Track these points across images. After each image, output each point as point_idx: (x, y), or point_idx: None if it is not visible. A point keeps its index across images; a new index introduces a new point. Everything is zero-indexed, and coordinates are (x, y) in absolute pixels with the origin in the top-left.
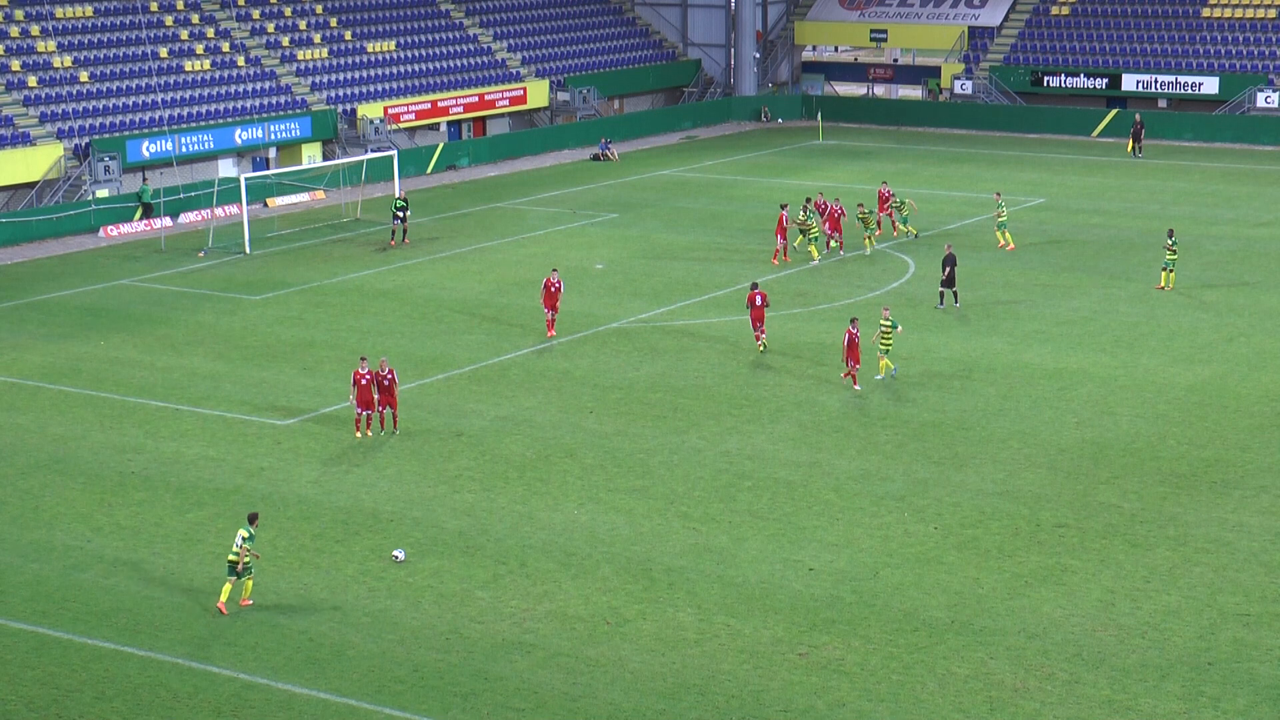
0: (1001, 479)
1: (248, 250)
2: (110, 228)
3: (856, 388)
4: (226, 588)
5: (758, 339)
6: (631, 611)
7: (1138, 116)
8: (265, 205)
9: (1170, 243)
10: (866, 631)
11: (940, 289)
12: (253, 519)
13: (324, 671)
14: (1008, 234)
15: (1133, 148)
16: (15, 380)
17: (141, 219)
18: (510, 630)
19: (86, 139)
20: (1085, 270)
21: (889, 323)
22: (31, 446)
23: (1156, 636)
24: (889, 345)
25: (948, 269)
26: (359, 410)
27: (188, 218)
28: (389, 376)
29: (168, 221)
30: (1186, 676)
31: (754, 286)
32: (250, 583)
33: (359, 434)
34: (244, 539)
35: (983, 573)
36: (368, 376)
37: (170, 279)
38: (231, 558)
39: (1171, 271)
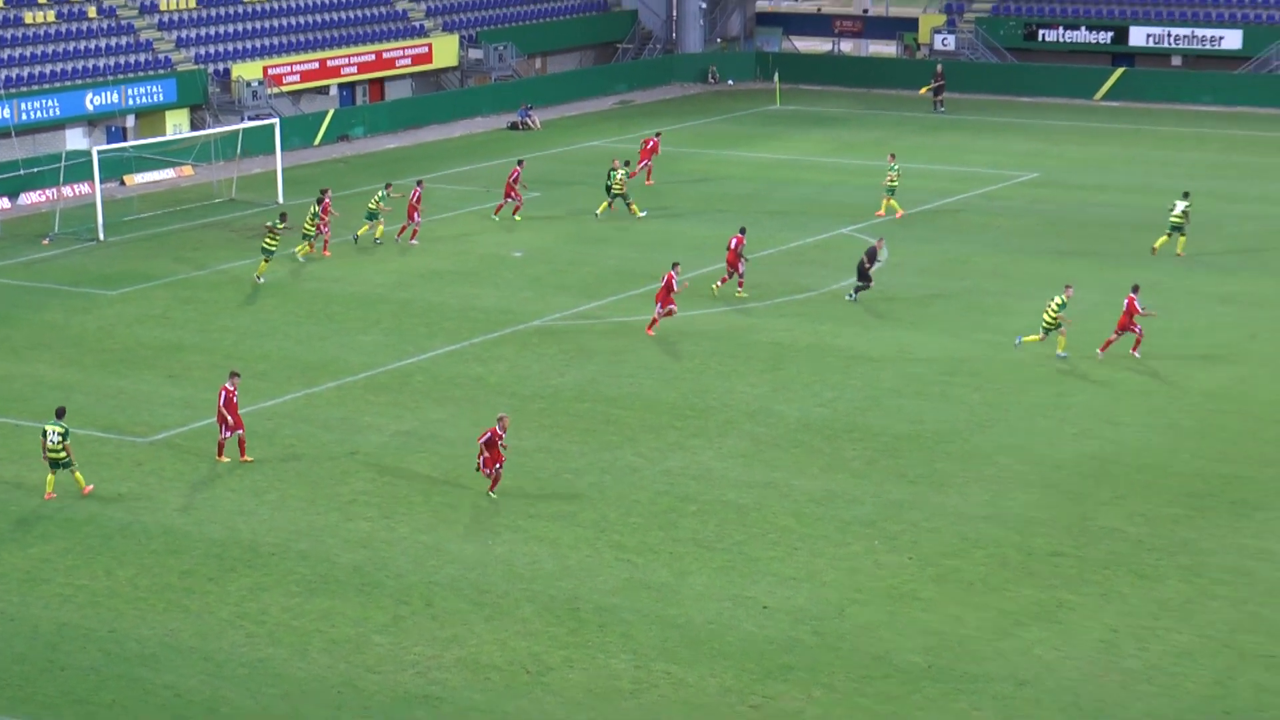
0: (988, 500)
1: (102, 236)
2: None
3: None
4: (52, 479)
5: (732, 283)
6: (556, 659)
7: (938, 66)
8: (122, 183)
9: (1180, 207)
10: (830, 679)
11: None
12: (61, 412)
13: None
14: (894, 201)
15: (934, 101)
16: None
17: None
18: (414, 681)
19: None
20: (1086, 255)
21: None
22: None
23: (1166, 682)
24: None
25: (864, 262)
26: (222, 434)
27: (29, 198)
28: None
29: (5, 203)
30: None
31: (742, 229)
32: (79, 474)
33: (223, 458)
34: (61, 434)
35: (966, 610)
36: (224, 394)
37: (9, 270)
38: (52, 455)
39: (1178, 236)
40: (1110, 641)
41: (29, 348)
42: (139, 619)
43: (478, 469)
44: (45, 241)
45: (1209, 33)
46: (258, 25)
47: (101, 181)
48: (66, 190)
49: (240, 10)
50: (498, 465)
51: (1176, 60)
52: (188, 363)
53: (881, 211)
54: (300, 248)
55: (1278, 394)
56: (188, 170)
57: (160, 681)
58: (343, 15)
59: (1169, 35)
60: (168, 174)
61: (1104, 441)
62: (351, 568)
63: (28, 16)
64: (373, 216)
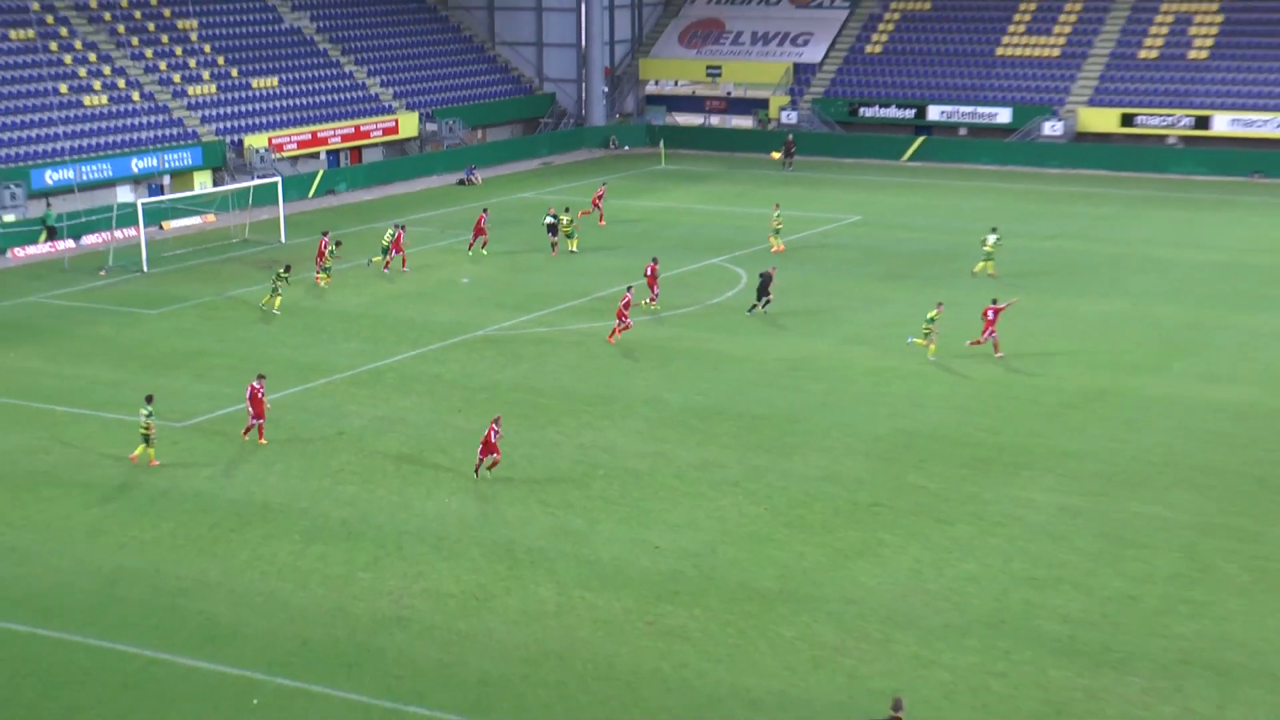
0: (824, 465)
1: (145, 269)
2: (17, 249)
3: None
4: (140, 449)
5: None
6: (498, 588)
7: (789, 137)
8: (161, 228)
9: (991, 240)
10: (706, 601)
11: (758, 301)
12: (149, 399)
13: (221, 648)
14: (778, 239)
15: (784, 162)
16: None
17: (46, 241)
18: (389, 607)
19: None
20: (899, 279)
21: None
22: None
23: (958, 600)
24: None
25: (763, 284)
26: (254, 418)
27: (89, 239)
28: (495, 433)
29: (70, 243)
30: (983, 634)
31: (654, 258)
32: (152, 450)
33: (246, 437)
34: (147, 414)
35: (808, 547)
36: (249, 391)
37: (73, 295)
38: (142, 430)
39: (989, 261)
40: (916, 570)
41: (88, 355)
42: (178, 561)
43: (478, 467)
44: (102, 273)
45: (987, 110)
46: (264, 105)
47: (144, 226)
48: (118, 233)
49: (250, 94)
50: (494, 455)
51: (963, 131)
52: (210, 365)
53: (780, 247)
54: (321, 277)
55: (1039, 383)
56: (211, 218)
57: (195, 609)
58: (329, 97)
59: (957, 112)
60: (195, 220)
61: (911, 420)
62: (340, 521)
63: (86, 100)
64: (386, 251)
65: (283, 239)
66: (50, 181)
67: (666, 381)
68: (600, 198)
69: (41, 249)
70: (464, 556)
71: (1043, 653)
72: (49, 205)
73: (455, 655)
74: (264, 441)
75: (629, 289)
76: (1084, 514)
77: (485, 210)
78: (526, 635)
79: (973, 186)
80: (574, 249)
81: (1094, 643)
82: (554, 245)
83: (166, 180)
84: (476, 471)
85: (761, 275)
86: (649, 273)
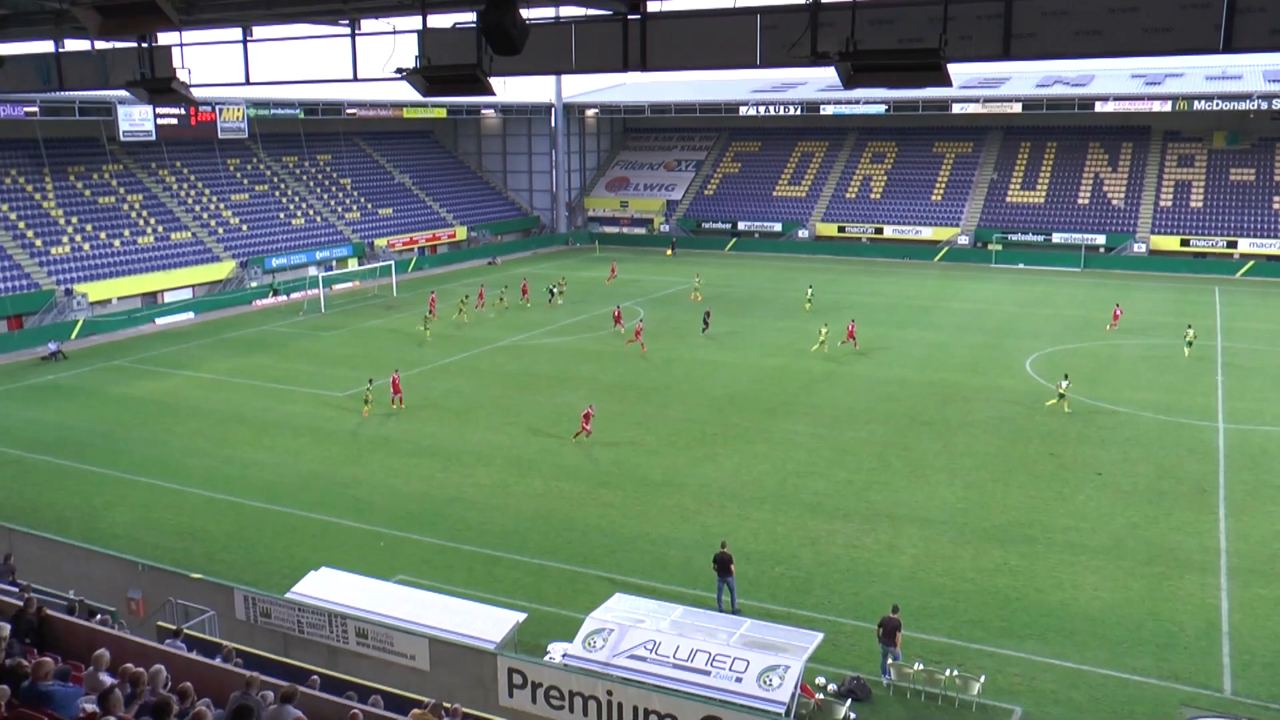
0: (687, 411)
1: (323, 310)
2: (258, 301)
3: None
4: (367, 407)
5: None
6: (512, 481)
7: (674, 239)
8: (331, 289)
9: (809, 291)
10: (624, 487)
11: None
12: (371, 380)
13: (363, 515)
14: (698, 294)
15: (673, 253)
16: (214, 377)
17: (272, 297)
18: (453, 492)
19: (245, 258)
20: (728, 314)
21: (826, 329)
22: (222, 409)
23: (758, 484)
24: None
25: (705, 317)
26: (396, 393)
27: (295, 295)
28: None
29: (284, 297)
30: (772, 502)
31: (618, 306)
32: (369, 406)
33: (395, 406)
34: (367, 386)
35: (679, 457)
36: (393, 377)
37: (287, 326)
38: (367, 394)
39: (809, 301)
40: (736, 468)
41: (295, 357)
42: (340, 469)
43: (578, 434)
44: (301, 315)
45: (769, 224)
46: (385, 223)
47: (323, 288)
48: (309, 292)
49: (377, 217)
50: (587, 428)
51: (756, 235)
52: (358, 362)
53: (698, 297)
54: (460, 317)
55: (799, 369)
56: (357, 283)
57: (349, 494)
58: (419, 218)
59: (754, 225)
60: (349, 285)
61: (732, 387)
62: (426, 446)
63: (293, 222)
64: (477, 298)
65: (394, 294)
66: (274, 264)
67: (600, 369)
68: (615, 270)
69: (270, 301)
70: (493, 464)
71: (804, 512)
72: (274, 277)
73: (489, 518)
74: (402, 406)
75: (639, 322)
76: (824, 437)
77: (525, 280)
78: (528, 507)
79: (763, 264)
80: (560, 302)
81: (830, 506)
82: (550, 300)
83: (334, 263)
84: (576, 436)
85: (705, 312)
86: (616, 312)
